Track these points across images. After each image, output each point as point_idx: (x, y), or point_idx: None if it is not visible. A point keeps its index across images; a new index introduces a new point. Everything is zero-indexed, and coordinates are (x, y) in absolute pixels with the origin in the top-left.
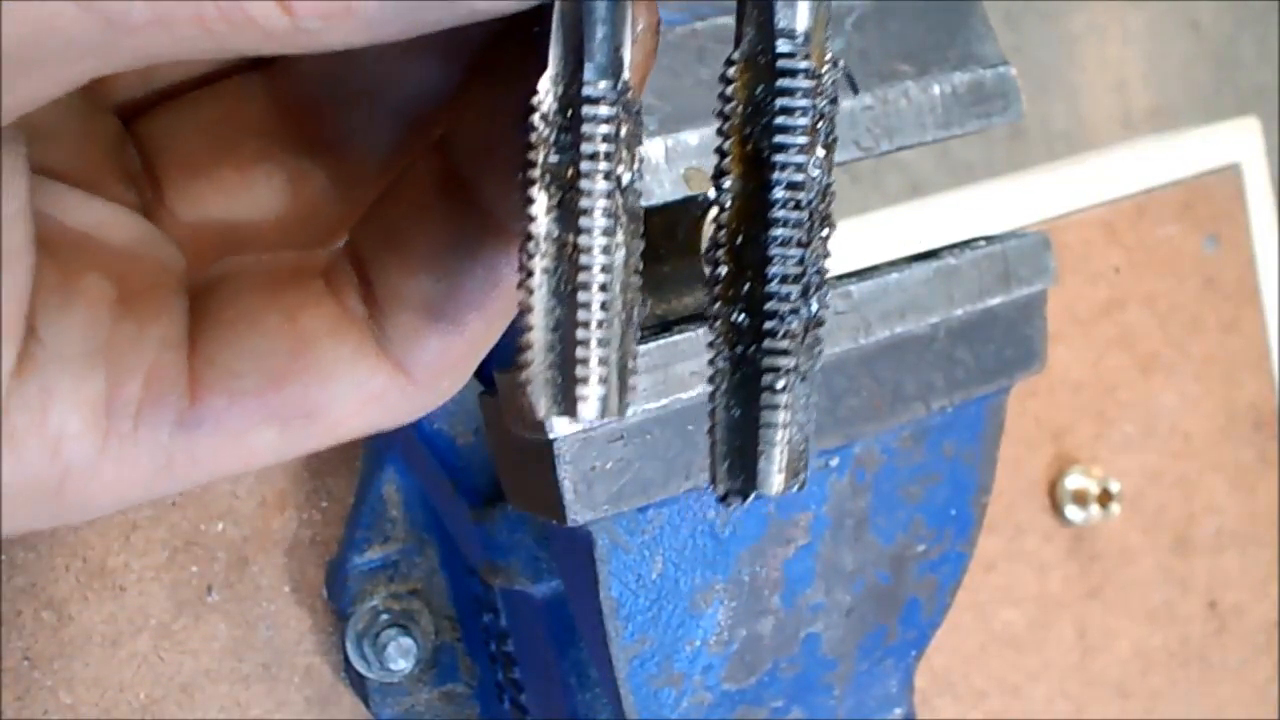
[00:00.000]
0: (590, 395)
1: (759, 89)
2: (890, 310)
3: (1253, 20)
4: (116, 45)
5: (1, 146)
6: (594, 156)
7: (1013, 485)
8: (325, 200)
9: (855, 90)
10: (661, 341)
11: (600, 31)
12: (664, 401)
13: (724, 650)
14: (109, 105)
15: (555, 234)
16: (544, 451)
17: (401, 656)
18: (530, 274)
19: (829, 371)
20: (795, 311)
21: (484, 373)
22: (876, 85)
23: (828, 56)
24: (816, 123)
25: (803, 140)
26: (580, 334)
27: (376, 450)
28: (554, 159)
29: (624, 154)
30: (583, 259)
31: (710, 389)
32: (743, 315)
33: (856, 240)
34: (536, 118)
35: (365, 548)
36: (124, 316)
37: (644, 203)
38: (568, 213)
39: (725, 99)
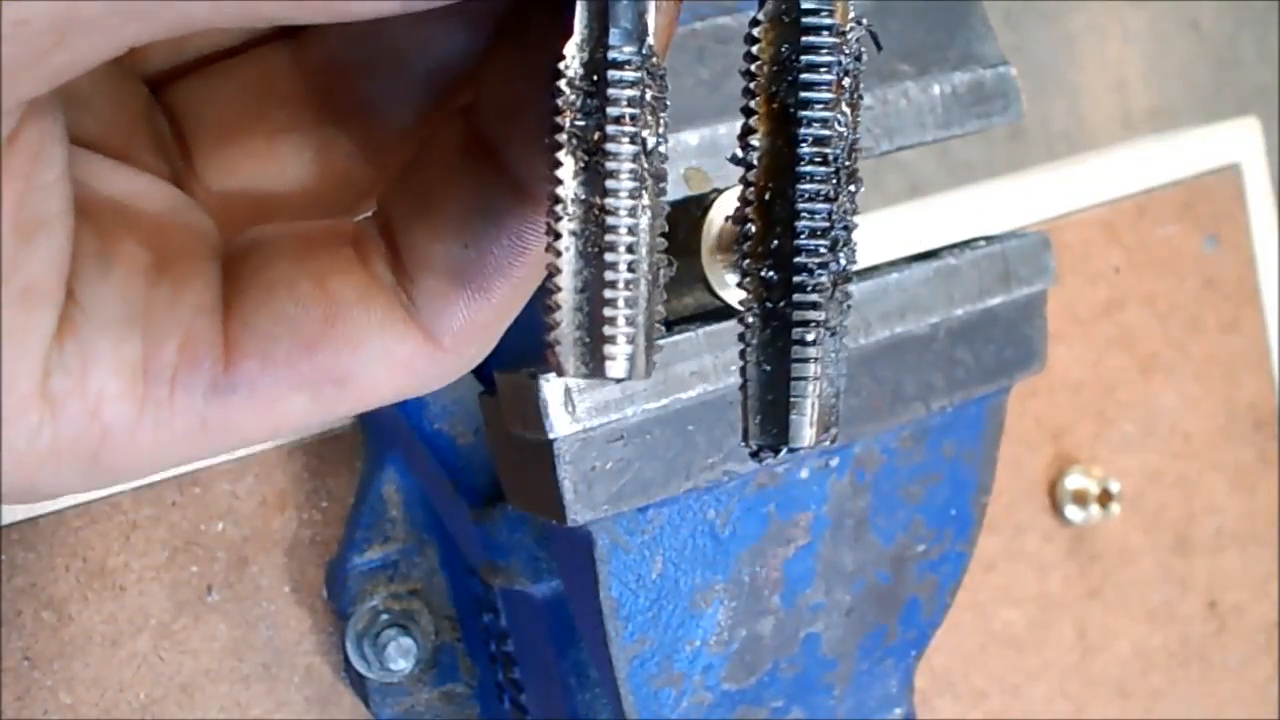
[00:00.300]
0: (618, 355)
1: (784, 47)
2: (890, 310)
3: (1253, 20)
4: (158, 12)
5: (42, 114)
6: (619, 120)
7: (1013, 485)
8: (353, 167)
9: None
10: (661, 341)
11: None
12: (664, 401)
13: (724, 650)
14: (140, 75)
15: (582, 196)
16: (544, 451)
17: (401, 656)
18: (558, 236)
19: None
20: (824, 265)
21: (484, 373)
22: (876, 85)
23: (851, 14)
24: (842, 78)
25: (829, 96)
26: (608, 294)
27: (376, 450)
28: (580, 123)
29: (649, 118)
30: (609, 221)
31: (741, 346)
32: (772, 271)
33: (856, 240)
34: (563, 83)
35: (365, 548)
36: (159, 282)
37: None
38: (594, 176)
39: (751, 58)
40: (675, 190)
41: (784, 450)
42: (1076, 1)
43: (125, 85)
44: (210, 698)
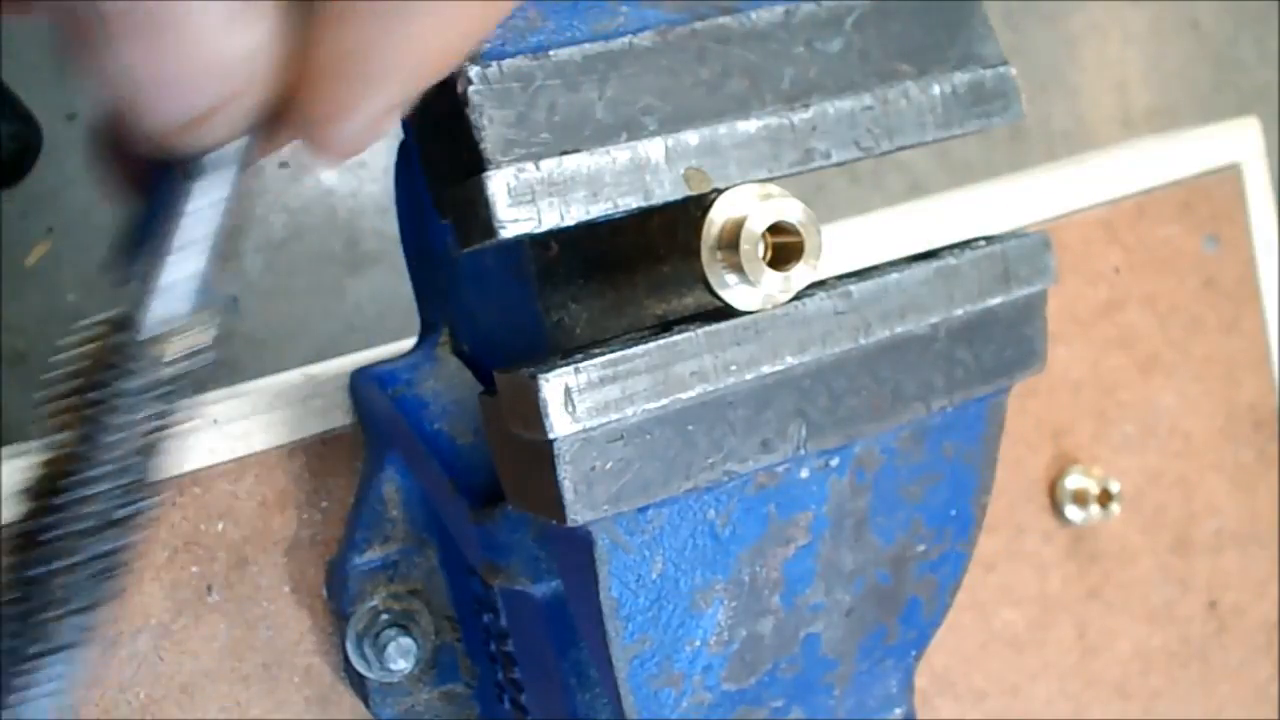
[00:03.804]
0: None
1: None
2: (890, 310)
3: (1253, 20)
4: None
5: None
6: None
7: (1013, 485)
8: None
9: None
10: (661, 341)
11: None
12: (664, 401)
13: (724, 650)
14: None
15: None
16: (544, 451)
17: (401, 656)
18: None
19: (830, 371)
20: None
21: (484, 372)
22: (876, 85)
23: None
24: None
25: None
26: None
27: (376, 450)
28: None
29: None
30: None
31: None
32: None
33: (856, 240)
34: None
35: (365, 548)
36: None
37: (646, 203)
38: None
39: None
40: (675, 190)
41: None
42: (1076, 1)
43: None
44: (210, 698)
